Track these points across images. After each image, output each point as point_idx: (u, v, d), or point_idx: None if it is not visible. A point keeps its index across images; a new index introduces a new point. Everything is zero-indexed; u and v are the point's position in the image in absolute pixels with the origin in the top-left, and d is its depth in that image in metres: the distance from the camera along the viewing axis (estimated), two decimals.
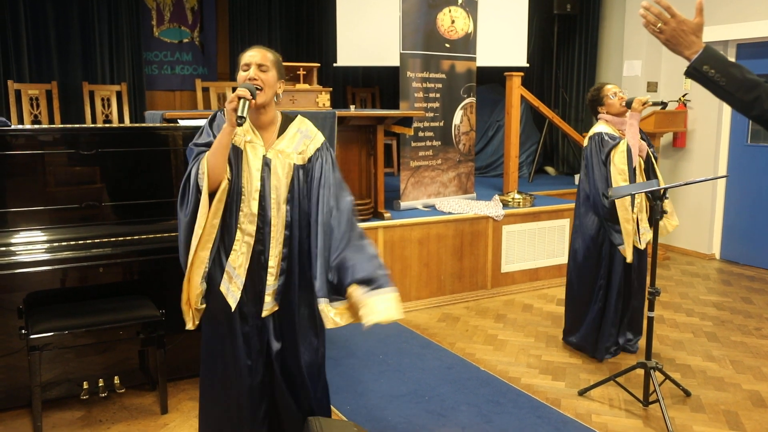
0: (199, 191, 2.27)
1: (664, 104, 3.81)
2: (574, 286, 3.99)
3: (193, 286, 2.34)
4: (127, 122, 6.26)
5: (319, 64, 4.94)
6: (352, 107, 5.21)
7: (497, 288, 5.24)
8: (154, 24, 6.92)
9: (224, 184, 2.29)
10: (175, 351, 3.36)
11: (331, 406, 2.79)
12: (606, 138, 3.78)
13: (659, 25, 1.66)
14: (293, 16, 7.44)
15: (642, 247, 3.82)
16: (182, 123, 3.68)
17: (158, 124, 3.79)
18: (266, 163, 2.36)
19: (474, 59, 5.76)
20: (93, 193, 3.29)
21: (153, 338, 3.13)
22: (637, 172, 3.81)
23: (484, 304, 5.02)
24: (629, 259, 3.75)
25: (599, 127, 3.87)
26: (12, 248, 3.04)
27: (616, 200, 3.66)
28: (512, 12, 6.76)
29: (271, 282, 2.37)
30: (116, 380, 3.21)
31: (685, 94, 6.59)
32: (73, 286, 3.23)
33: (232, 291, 2.35)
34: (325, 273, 2.30)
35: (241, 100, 2.20)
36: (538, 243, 5.40)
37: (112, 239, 3.21)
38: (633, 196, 3.67)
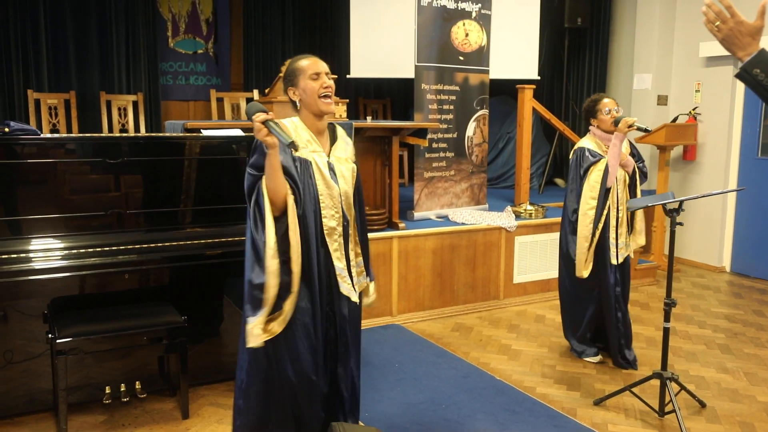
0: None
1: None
2: (571, 297, 4.11)
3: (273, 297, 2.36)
4: (143, 132, 6.34)
5: (336, 76, 5.00)
6: (369, 118, 5.28)
7: (510, 298, 5.27)
8: (169, 35, 7.01)
9: (290, 201, 2.33)
10: (195, 357, 3.41)
11: None
12: (587, 154, 3.87)
13: (717, 23, 1.69)
14: (307, 27, 7.52)
15: (617, 262, 3.92)
16: (205, 133, 3.74)
17: (182, 134, 3.85)
18: (331, 169, 2.46)
19: (487, 72, 5.83)
20: (118, 201, 3.36)
21: (175, 344, 3.18)
22: (620, 188, 3.89)
23: (497, 314, 5.06)
24: (579, 273, 3.89)
25: (585, 141, 3.96)
26: (35, 255, 3.09)
27: (579, 216, 3.86)
28: (524, 25, 6.84)
29: (355, 274, 2.56)
30: (137, 385, 3.26)
31: (696, 108, 6.64)
32: (98, 292, 3.29)
33: (350, 289, 2.51)
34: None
35: (269, 123, 2.21)
36: (550, 254, 5.43)
37: (137, 246, 3.27)
38: (601, 213, 3.83)
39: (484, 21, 5.72)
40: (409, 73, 5.46)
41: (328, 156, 2.48)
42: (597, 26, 7.57)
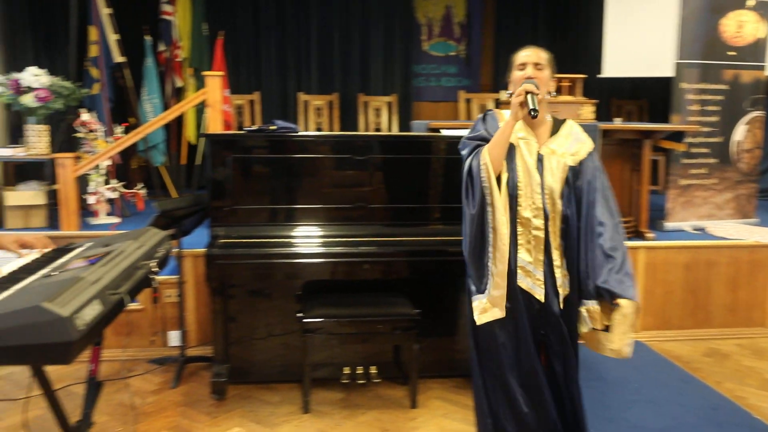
0: (482, 184, 2.36)
1: None
2: None
3: (502, 283, 2.38)
4: (394, 131, 6.71)
5: (585, 76, 4.82)
6: (617, 120, 4.99)
7: None
8: (423, 38, 7.33)
9: (505, 177, 2.36)
10: (427, 350, 3.52)
11: None
12: None
13: None
14: (559, 27, 7.35)
15: None
16: (444, 132, 3.84)
17: (424, 133, 4.00)
18: (539, 160, 2.40)
19: (763, 68, 5.15)
20: (363, 195, 3.59)
21: (408, 335, 3.32)
22: None
23: (762, 343, 4.44)
24: None
25: None
26: (295, 240, 3.44)
27: None
28: None
29: (559, 275, 2.40)
30: (373, 370, 3.46)
31: None
32: (341, 279, 3.55)
33: (536, 285, 2.39)
34: (589, 275, 2.37)
35: (529, 95, 2.29)
36: None
37: (378, 239, 3.47)
38: None
39: (765, 10, 5.05)
40: (668, 72, 5.04)
41: (540, 147, 2.42)
42: None
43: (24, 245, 2.19)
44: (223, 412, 3.28)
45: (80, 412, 2.08)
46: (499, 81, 7.20)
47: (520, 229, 2.38)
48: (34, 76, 4.41)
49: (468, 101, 6.94)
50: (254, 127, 3.53)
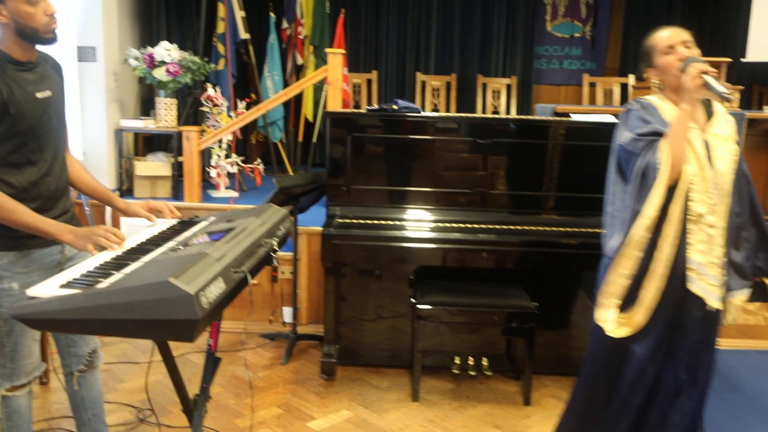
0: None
1: None
2: None
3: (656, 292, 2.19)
4: (513, 114, 6.48)
5: (730, 59, 4.40)
6: (766, 108, 4.53)
7: None
8: (547, 19, 6.99)
9: (687, 170, 2.12)
10: (542, 345, 3.36)
11: None
12: None
13: None
14: (696, 8, 6.79)
15: None
16: (574, 117, 3.62)
17: (551, 118, 3.79)
18: (706, 148, 2.16)
19: None
20: (483, 180, 3.45)
21: (524, 329, 3.16)
22: None
23: None
24: None
25: None
26: (411, 224, 3.36)
27: None
28: None
29: (718, 273, 2.18)
30: (484, 362, 3.33)
31: None
32: (457, 266, 3.44)
33: (709, 290, 2.16)
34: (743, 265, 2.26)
35: (708, 77, 2.06)
36: None
37: (497, 227, 3.32)
38: None
39: None
40: None
41: (704, 133, 2.17)
42: None
43: (152, 209, 2.27)
44: (332, 393, 3.27)
45: (197, 382, 2.10)
46: (626, 65, 6.76)
47: (691, 227, 2.15)
48: (166, 51, 4.56)
49: (592, 85, 6.58)
50: (375, 106, 3.46)
